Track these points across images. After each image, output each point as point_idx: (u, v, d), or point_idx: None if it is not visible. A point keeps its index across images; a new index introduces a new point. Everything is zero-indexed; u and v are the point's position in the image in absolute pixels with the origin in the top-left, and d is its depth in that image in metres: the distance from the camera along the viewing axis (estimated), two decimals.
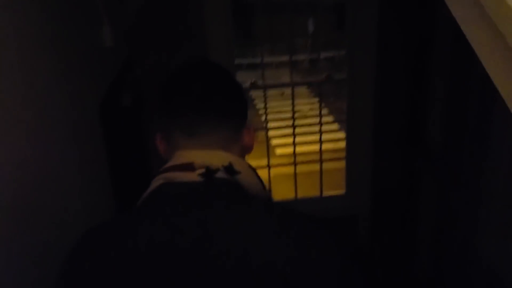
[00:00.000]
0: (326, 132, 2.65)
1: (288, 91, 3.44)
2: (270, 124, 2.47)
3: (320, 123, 2.34)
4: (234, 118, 0.74)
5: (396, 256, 2.44)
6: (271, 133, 2.59)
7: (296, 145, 2.34)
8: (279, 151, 4.03)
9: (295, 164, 2.36)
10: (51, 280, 0.65)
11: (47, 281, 0.76)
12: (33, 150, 0.84)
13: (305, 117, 5.91)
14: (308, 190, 2.47)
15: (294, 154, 2.35)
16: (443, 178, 2.03)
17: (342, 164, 2.39)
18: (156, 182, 0.67)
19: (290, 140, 2.35)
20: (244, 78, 2.29)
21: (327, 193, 2.43)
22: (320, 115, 2.35)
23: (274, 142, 3.94)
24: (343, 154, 2.35)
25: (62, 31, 1.08)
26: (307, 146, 4.61)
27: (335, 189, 2.46)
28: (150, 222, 0.61)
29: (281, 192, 2.56)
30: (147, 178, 1.92)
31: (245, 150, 0.76)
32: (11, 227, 0.73)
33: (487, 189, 1.71)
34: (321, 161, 2.36)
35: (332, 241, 0.61)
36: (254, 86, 2.20)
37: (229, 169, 0.66)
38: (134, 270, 0.57)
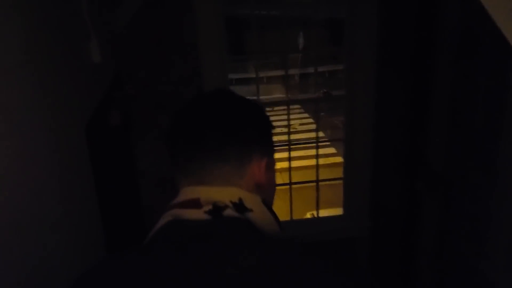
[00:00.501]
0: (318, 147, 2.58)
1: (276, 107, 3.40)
2: None
3: (317, 141, 2.26)
4: (233, 151, 0.65)
5: (395, 280, 2.35)
6: None
7: (285, 160, 2.26)
8: None
9: (290, 184, 2.27)
10: None
11: None
12: (14, 171, 0.74)
13: (296, 132, 5.88)
14: (300, 205, 2.38)
15: (290, 174, 2.26)
16: (444, 200, 1.96)
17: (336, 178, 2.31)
18: (164, 219, 0.63)
19: (282, 155, 2.27)
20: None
21: (323, 213, 2.34)
22: (317, 133, 2.28)
23: None
24: (336, 169, 2.28)
25: (46, 46, 0.99)
26: (299, 161, 4.56)
27: (328, 202, 2.38)
28: (160, 264, 0.56)
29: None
30: (137, 199, 1.82)
31: (259, 186, 0.66)
32: None
33: (489, 212, 1.64)
34: (317, 180, 2.27)
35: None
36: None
37: (239, 206, 0.61)
38: None
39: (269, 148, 0.70)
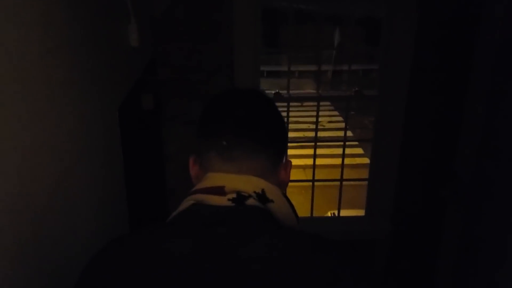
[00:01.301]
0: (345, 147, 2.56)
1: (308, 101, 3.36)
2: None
3: (345, 140, 2.24)
4: (272, 148, 0.70)
5: (412, 286, 2.33)
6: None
7: (310, 157, 2.24)
8: (294, 161, 3.95)
9: (313, 181, 2.26)
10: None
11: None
12: (50, 151, 0.77)
13: (324, 129, 5.82)
14: (321, 203, 2.37)
15: (314, 171, 2.26)
16: (469, 210, 1.92)
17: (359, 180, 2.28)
18: (187, 203, 0.65)
19: (308, 151, 2.26)
20: (265, 86, 2.20)
21: (346, 213, 2.33)
22: (346, 132, 2.26)
23: (289, 152, 3.86)
24: (360, 170, 2.25)
25: (88, 27, 1.02)
26: (324, 159, 4.52)
27: (350, 203, 2.36)
28: (174, 241, 0.59)
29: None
30: (162, 182, 1.85)
31: (281, 185, 0.71)
32: (25, 231, 0.67)
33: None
34: (341, 179, 2.26)
35: (363, 281, 0.57)
36: (278, 96, 2.12)
37: (261, 196, 0.63)
38: (153, 285, 0.55)
39: (286, 147, 0.75)
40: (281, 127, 0.72)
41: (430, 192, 2.14)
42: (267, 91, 2.12)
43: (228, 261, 0.55)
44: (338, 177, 2.26)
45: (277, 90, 2.13)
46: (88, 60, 1.02)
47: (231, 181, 0.64)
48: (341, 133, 4.43)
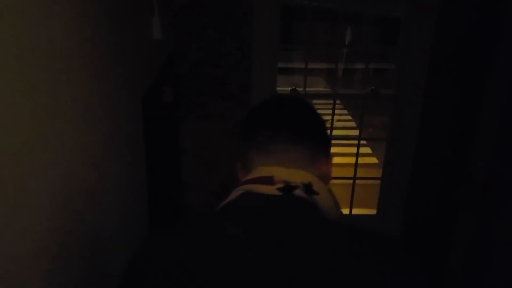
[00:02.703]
0: (354, 145, 2.57)
1: (316, 100, 3.37)
2: None
3: (359, 139, 2.25)
4: (308, 139, 0.73)
5: None
6: None
7: None
8: None
9: None
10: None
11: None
12: (80, 143, 0.78)
13: (334, 127, 5.81)
14: None
15: None
16: (483, 212, 1.92)
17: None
18: (236, 193, 0.69)
19: None
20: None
21: (357, 211, 2.33)
22: (361, 130, 2.26)
23: None
24: (368, 169, 2.26)
25: (114, 19, 1.03)
26: (334, 158, 4.52)
27: (359, 203, 2.37)
28: (230, 227, 0.62)
29: None
30: (178, 174, 1.87)
31: (323, 178, 0.72)
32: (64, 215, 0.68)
33: None
34: (354, 177, 2.27)
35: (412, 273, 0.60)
36: (295, 93, 2.13)
37: (308, 188, 0.66)
38: (209, 270, 0.57)
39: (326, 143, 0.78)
40: (317, 122, 0.76)
41: (443, 193, 2.14)
42: (280, 88, 2.13)
43: (277, 248, 0.57)
44: (347, 176, 2.27)
45: (293, 87, 2.14)
46: (117, 52, 1.04)
47: (279, 172, 0.67)
48: (349, 132, 4.42)
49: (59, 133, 0.69)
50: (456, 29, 1.90)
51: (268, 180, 0.66)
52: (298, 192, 0.65)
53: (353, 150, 2.53)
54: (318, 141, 0.74)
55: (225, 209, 0.68)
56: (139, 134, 1.26)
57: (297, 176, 0.67)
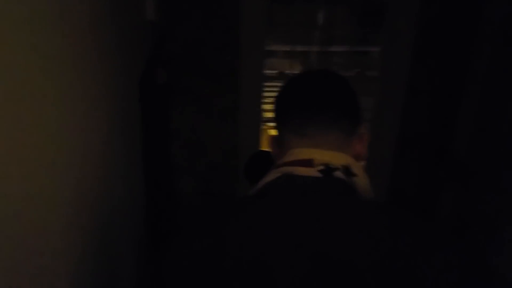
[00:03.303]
0: None
1: None
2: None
3: None
4: (345, 120, 0.72)
5: None
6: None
7: None
8: None
9: None
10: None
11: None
12: (85, 133, 0.77)
13: None
14: None
15: None
16: (464, 189, 2.00)
17: None
18: (274, 175, 0.68)
19: None
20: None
21: None
22: None
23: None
24: None
25: (112, 1, 1.01)
26: None
27: None
28: (272, 210, 0.61)
29: None
30: (167, 157, 1.86)
31: (357, 157, 0.73)
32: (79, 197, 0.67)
33: (508, 205, 1.68)
34: None
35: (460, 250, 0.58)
36: (283, 76, 2.13)
37: (347, 170, 0.67)
38: (266, 247, 0.57)
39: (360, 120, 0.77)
40: (353, 100, 0.74)
41: (427, 173, 2.22)
42: (267, 71, 2.13)
43: (325, 228, 0.58)
44: None
45: (281, 70, 2.14)
46: (115, 33, 1.02)
47: (319, 154, 0.67)
48: None
49: (66, 123, 0.68)
50: (440, 12, 1.94)
51: (308, 163, 0.66)
52: (338, 174, 0.66)
53: None
54: (354, 121, 0.73)
55: (263, 191, 0.67)
56: (136, 117, 1.24)
57: (336, 158, 0.67)
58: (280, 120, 0.74)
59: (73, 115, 0.69)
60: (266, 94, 2.07)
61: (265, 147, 2.09)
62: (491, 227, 1.80)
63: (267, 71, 2.11)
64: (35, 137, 0.53)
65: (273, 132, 0.80)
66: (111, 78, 0.97)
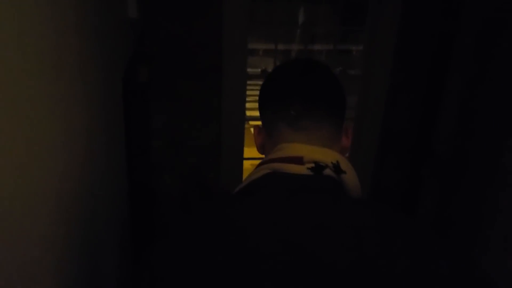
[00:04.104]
0: None
1: None
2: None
3: None
4: (337, 115, 0.72)
5: None
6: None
7: None
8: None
9: None
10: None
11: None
12: (76, 124, 0.76)
13: None
14: None
15: None
16: (445, 185, 2.04)
17: None
18: (261, 171, 0.66)
19: None
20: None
21: None
22: None
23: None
24: None
25: None
26: None
27: None
28: (260, 209, 0.60)
29: None
30: (148, 156, 1.83)
31: (343, 150, 0.74)
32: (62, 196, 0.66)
33: (489, 203, 1.72)
34: None
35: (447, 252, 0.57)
36: (265, 74, 2.13)
37: (337, 167, 0.66)
38: (248, 253, 0.55)
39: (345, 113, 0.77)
40: (342, 94, 0.74)
41: (409, 170, 2.25)
42: (250, 69, 2.13)
43: (314, 227, 0.57)
44: None
45: (264, 68, 2.14)
46: (97, 30, 1.00)
47: (309, 151, 0.66)
48: None
49: (49, 122, 0.66)
50: (422, 11, 1.96)
51: (298, 160, 0.65)
52: (328, 171, 0.65)
53: None
54: (342, 114, 0.73)
55: (250, 189, 0.66)
56: (120, 116, 1.22)
57: (326, 155, 0.66)
58: (272, 110, 0.72)
59: (56, 113, 0.67)
60: (248, 92, 2.06)
61: (248, 145, 2.09)
62: (472, 223, 1.83)
63: (249, 70, 2.11)
64: (16, 135, 0.51)
65: (258, 122, 0.78)
66: (95, 76, 0.95)
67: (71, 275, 0.73)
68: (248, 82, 2.06)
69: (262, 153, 0.77)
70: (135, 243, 1.47)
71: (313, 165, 0.65)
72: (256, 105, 0.79)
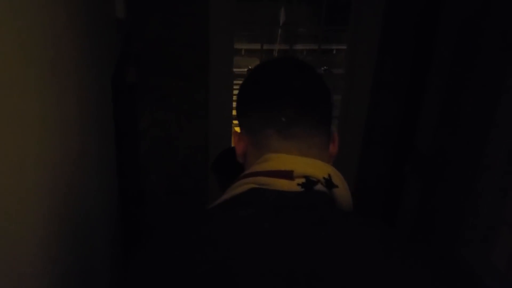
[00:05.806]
0: None
1: None
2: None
3: None
4: (327, 122, 0.67)
5: None
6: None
7: None
8: None
9: None
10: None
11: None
12: (60, 132, 0.76)
13: None
14: None
15: None
16: (427, 181, 2.08)
17: None
18: (245, 185, 0.61)
19: None
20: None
21: None
22: None
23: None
24: None
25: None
26: None
27: None
28: (251, 225, 0.56)
29: None
30: (136, 156, 1.83)
31: (330, 159, 0.70)
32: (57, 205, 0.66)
33: (471, 197, 1.77)
34: None
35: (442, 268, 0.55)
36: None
37: (328, 182, 0.61)
38: (230, 273, 0.51)
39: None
40: (331, 99, 0.68)
41: (392, 166, 2.29)
42: (237, 69, 2.14)
43: (304, 245, 0.54)
44: None
45: (249, 67, 2.15)
46: (86, 31, 1.00)
47: (299, 165, 0.61)
48: None
49: (40, 122, 0.67)
50: (405, 10, 2.01)
51: (288, 175, 0.59)
52: (319, 187, 0.60)
53: None
54: (330, 121, 0.68)
55: (232, 204, 0.61)
56: (109, 116, 1.22)
57: (318, 169, 0.61)
58: (259, 116, 0.65)
59: (49, 113, 0.67)
60: (235, 92, 2.07)
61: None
62: (454, 218, 1.88)
63: (234, 69, 2.12)
64: (7, 136, 0.51)
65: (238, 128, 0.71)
66: (86, 76, 0.95)
67: (62, 273, 0.74)
68: (234, 81, 2.07)
69: (242, 162, 0.70)
70: (125, 243, 1.47)
71: (304, 180, 0.60)
72: None
